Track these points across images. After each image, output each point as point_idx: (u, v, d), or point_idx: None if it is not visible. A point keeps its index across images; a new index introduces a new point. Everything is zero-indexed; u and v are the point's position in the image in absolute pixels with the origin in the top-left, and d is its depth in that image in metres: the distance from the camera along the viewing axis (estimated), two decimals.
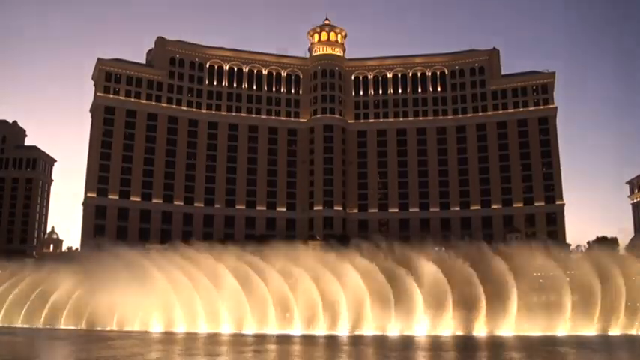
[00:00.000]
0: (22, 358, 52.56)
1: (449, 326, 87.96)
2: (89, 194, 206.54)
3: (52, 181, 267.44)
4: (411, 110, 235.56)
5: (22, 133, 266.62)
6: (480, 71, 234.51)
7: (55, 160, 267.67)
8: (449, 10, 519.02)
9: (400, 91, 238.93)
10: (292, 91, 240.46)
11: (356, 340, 73.92)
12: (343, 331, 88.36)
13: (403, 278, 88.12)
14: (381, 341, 73.68)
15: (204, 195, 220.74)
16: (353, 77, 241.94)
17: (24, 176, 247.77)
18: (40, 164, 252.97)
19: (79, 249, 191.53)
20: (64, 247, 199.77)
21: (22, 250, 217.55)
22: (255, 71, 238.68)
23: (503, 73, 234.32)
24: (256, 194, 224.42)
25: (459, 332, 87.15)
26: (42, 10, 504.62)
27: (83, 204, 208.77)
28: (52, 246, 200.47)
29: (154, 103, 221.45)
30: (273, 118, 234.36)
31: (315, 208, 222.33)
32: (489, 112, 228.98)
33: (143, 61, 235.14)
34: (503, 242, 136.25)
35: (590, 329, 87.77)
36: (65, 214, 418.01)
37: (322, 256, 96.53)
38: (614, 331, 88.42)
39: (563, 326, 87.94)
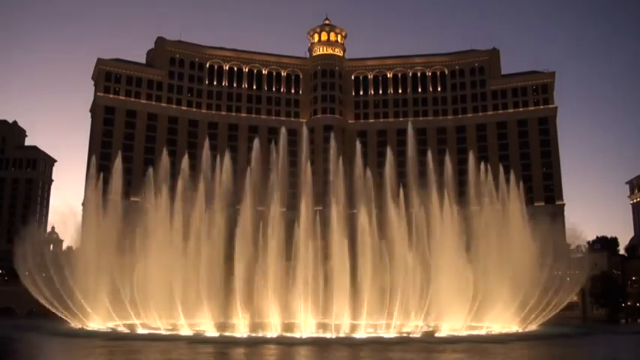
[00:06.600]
0: None
1: None
2: (89, 194, 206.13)
3: (52, 181, 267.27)
4: (411, 110, 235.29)
5: (22, 133, 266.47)
6: (480, 71, 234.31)
7: (55, 160, 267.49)
8: (449, 10, 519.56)
9: (400, 91, 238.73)
10: (292, 91, 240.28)
11: None
12: None
13: None
14: None
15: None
16: (353, 77, 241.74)
17: (24, 176, 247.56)
18: (40, 164, 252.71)
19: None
20: (64, 247, 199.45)
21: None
22: (255, 71, 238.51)
23: (503, 73, 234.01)
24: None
25: None
26: (42, 9, 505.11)
27: (83, 204, 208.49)
28: (52, 246, 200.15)
29: (154, 103, 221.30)
30: (273, 118, 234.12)
31: (315, 208, 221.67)
32: (489, 112, 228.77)
33: (143, 61, 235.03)
34: None
35: None
36: (65, 214, 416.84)
37: None
38: None
39: None
